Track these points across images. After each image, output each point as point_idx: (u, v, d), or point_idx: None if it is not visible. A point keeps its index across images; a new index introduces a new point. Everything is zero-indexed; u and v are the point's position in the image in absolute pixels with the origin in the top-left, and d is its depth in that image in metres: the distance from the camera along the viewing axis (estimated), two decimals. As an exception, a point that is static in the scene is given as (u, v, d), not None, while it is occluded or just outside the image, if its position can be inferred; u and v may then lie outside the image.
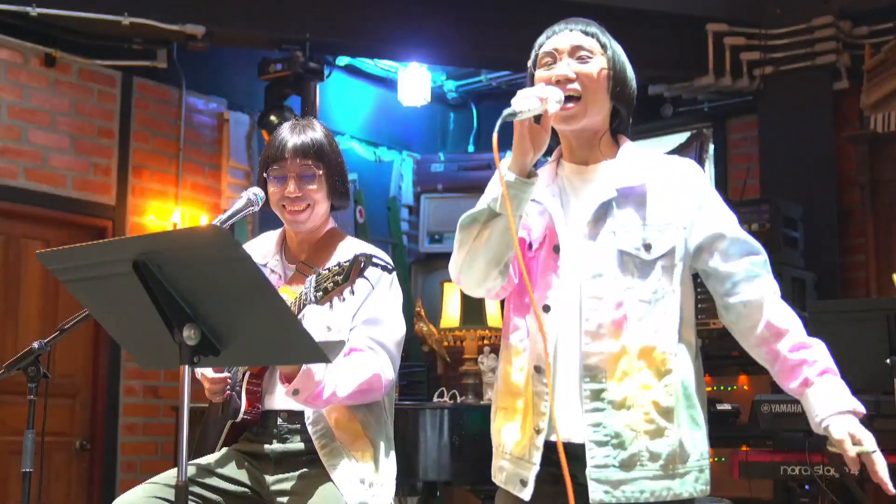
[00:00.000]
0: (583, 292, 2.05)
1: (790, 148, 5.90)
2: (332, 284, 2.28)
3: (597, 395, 2.02)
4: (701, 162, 6.48)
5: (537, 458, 2.06)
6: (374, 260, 2.28)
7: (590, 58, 2.11)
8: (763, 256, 2.15)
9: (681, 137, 6.64)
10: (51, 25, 5.35)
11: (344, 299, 2.30)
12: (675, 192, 2.11)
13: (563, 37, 2.14)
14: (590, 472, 2.01)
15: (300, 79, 5.79)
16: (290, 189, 2.58)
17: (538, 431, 2.06)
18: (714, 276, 2.13)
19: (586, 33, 2.14)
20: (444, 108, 7.73)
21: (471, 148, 7.55)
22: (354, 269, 2.25)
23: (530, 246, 2.14)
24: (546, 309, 2.07)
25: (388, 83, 7.19)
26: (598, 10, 5.80)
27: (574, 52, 2.11)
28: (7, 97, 5.33)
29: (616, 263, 2.05)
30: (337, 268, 2.29)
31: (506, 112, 1.92)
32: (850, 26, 5.88)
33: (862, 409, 2.02)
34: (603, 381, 2.02)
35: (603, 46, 2.13)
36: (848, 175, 5.80)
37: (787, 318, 2.12)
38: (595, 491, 2.00)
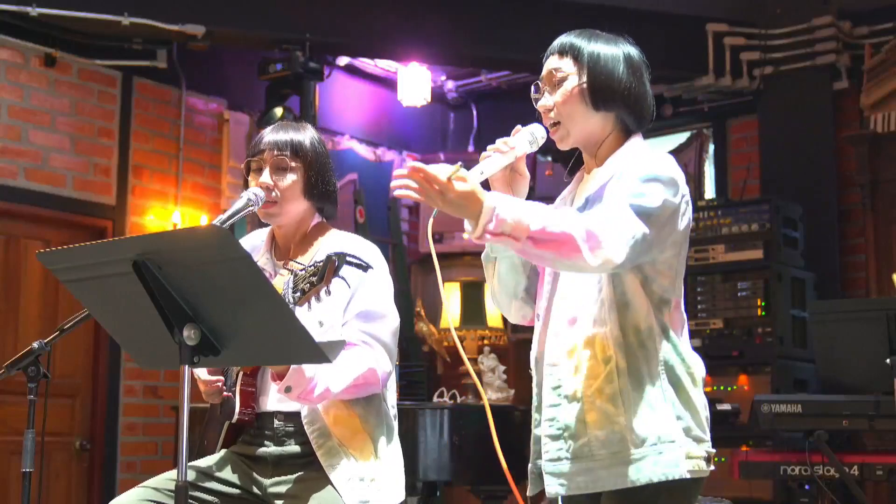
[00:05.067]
0: (553, 297, 2.16)
1: (790, 148, 5.90)
2: (307, 285, 2.28)
3: (554, 390, 2.12)
4: (701, 162, 6.48)
5: (534, 452, 2.19)
6: (349, 259, 2.27)
7: (563, 80, 2.15)
8: (615, 209, 2.00)
9: (681, 137, 6.64)
10: (51, 25, 5.35)
11: (321, 300, 2.30)
12: (618, 185, 2.08)
13: (545, 65, 2.20)
14: (544, 465, 2.10)
15: (300, 79, 5.79)
16: (263, 178, 2.57)
17: (532, 430, 2.20)
18: None
19: (561, 53, 2.18)
20: (444, 108, 7.73)
21: (471, 148, 7.55)
22: (328, 269, 2.25)
23: None
24: (538, 317, 2.21)
25: (388, 83, 7.19)
26: (598, 11, 5.84)
27: (550, 78, 2.18)
28: (7, 97, 5.33)
29: None
30: (312, 268, 2.29)
31: None
32: (850, 26, 5.89)
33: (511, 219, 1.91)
34: (560, 376, 2.11)
35: (577, 58, 2.15)
36: (848, 175, 5.80)
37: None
38: (550, 484, 2.09)
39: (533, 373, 2.22)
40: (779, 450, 4.29)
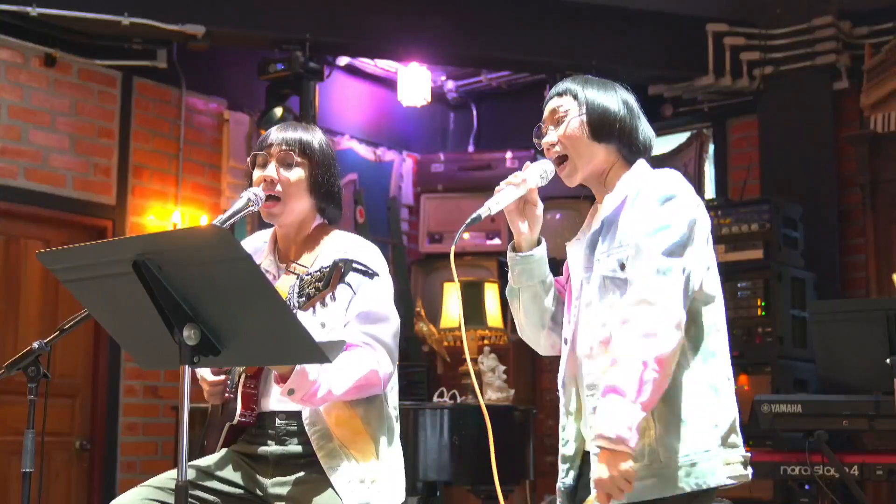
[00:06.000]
0: (580, 322, 2.24)
1: (790, 148, 5.90)
2: (313, 290, 2.28)
3: (595, 410, 2.16)
4: (701, 162, 6.48)
5: (562, 471, 2.28)
6: (355, 266, 2.27)
7: (564, 117, 2.28)
8: (648, 265, 2.09)
9: (681, 137, 6.64)
10: (51, 25, 5.35)
11: (326, 305, 2.31)
12: (638, 207, 2.18)
13: (546, 108, 2.33)
14: (593, 482, 2.13)
15: (300, 79, 5.79)
16: (268, 171, 2.57)
17: (558, 450, 2.30)
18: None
19: (560, 94, 2.31)
20: (444, 108, 7.73)
21: (471, 148, 7.56)
22: (335, 275, 2.25)
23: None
24: (566, 342, 2.29)
25: (388, 83, 7.19)
26: (598, 11, 5.85)
27: (553, 116, 2.30)
28: (7, 97, 5.33)
29: (599, 288, 2.20)
30: (318, 273, 2.28)
31: (472, 216, 2.19)
32: (850, 26, 5.89)
33: (616, 436, 2.00)
34: (599, 398, 2.14)
35: (575, 97, 2.28)
36: (848, 175, 5.80)
37: (617, 337, 2.09)
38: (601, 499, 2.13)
39: (560, 395, 2.30)
40: (779, 450, 4.28)
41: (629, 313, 2.06)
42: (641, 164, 2.29)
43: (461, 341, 5.82)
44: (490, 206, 2.20)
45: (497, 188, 2.25)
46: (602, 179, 2.30)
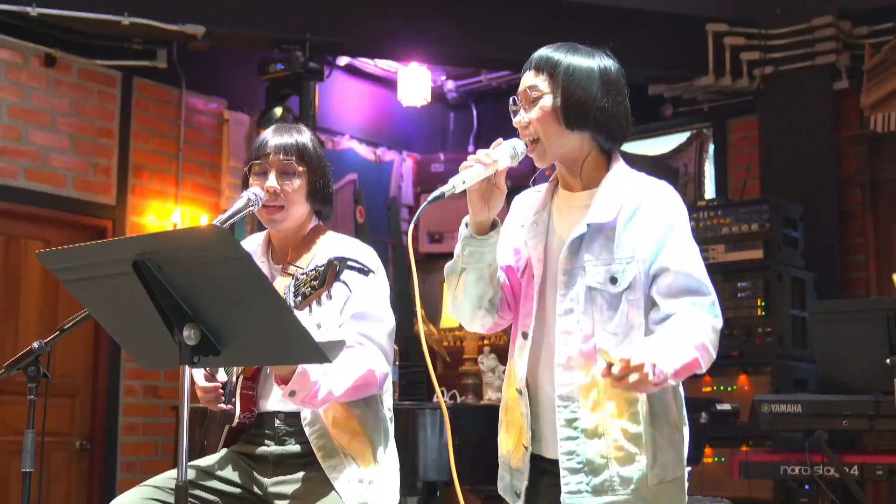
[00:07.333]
0: (556, 326, 2.14)
1: (790, 148, 5.91)
2: (309, 290, 2.27)
3: (570, 423, 2.11)
4: (701, 162, 6.48)
5: (527, 471, 2.19)
6: (350, 263, 2.27)
7: (538, 98, 2.15)
8: (709, 298, 2.10)
9: (681, 137, 6.64)
10: (51, 25, 5.35)
11: (322, 304, 2.30)
12: (641, 224, 2.12)
13: (522, 82, 2.20)
14: (564, 498, 2.10)
15: (300, 79, 5.79)
16: (270, 182, 2.56)
17: (526, 448, 2.18)
18: (654, 305, 2.11)
19: (538, 69, 2.17)
20: (444, 108, 7.73)
21: (471, 148, 7.55)
22: (330, 274, 2.25)
23: (520, 272, 2.25)
24: (524, 336, 2.19)
25: (388, 83, 7.19)
26: (598, 11, 5.85)
27: (527, 96, 2.17)
28: (7, 97, 5.33)
29: (584, 298, 2.12)
30: (314, 272, 2.28)
31: (435, 193, 2.05)
32: (850, 26, 5.89)
33: (664, 376, 1.94)
34: (576, 410, 2.10)
35: (553, 77, 2.14)
36: (848, 175, 5.80)
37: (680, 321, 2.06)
38: None
39: (522, 393, 2.18)
40: (779, 450, 4.28)
41: (703, 326, 2.05)
42: (622, 165, 2.20)
43: (461, 341, 5.80)
44: (455, 184, 2.05)
45: (464, 164, 2.09)
46: (577, 168, 2.19)
